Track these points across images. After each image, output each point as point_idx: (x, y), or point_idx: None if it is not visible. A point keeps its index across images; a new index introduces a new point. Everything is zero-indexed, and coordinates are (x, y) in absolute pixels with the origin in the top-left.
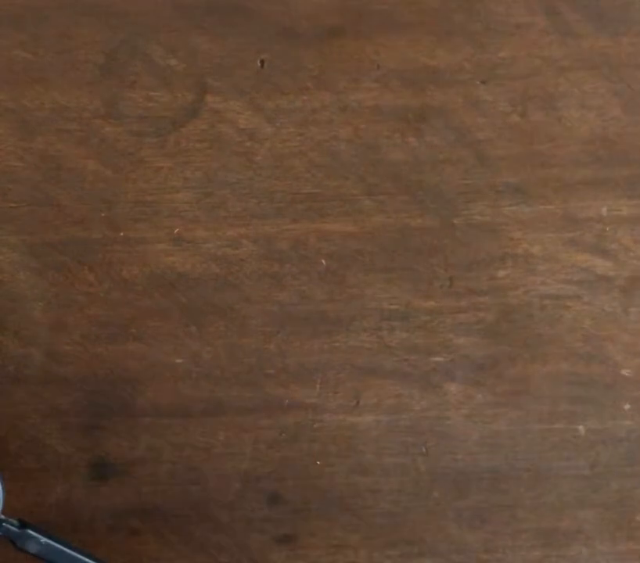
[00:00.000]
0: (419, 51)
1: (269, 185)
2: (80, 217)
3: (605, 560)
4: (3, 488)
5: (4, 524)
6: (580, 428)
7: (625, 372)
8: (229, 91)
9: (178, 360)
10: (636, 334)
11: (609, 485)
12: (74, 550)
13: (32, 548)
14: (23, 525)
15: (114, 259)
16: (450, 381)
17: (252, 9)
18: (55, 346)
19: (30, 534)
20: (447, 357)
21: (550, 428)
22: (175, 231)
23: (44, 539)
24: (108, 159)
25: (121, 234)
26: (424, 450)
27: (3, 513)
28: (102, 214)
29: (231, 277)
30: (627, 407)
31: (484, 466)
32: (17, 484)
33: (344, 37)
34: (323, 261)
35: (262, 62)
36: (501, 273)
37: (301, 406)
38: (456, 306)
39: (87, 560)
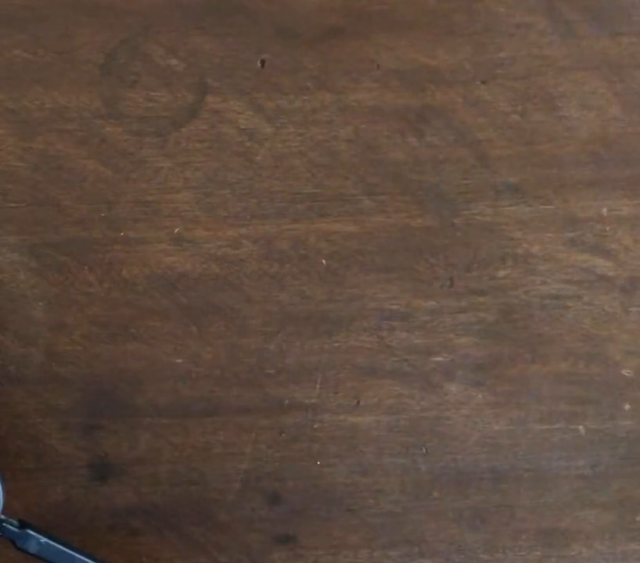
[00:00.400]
0: (419, 51)
1: (269, 185)
2: (80, 217)
3: (605, 560)
4: (3, 488)
5: (4, 524)
6: (580, 428)
7: (625, 372)
8: (229, 91)
9: (178, 360)
10: (636, 334)
11: (609, 485)
12: (74, 550)
13: (32, 548)
14: (23, 525)
15: (114, 259)
16: (450, 381)
17: (252, 9)
18: (55, 346)
19: (30, 534)
20: (447, 357)
21: (550, 428)
22: (175, 231)
23: (44, 539)
24: (108, 159)
25: (121, 234)
26: (424, 450)
27: (3, 513)
28: (102, 214)
29: (231, 277)
30: (627, 407)
31: (484, 466)
32: (17, 484)
33: (344, 37)
34: (323, 261)
35: (262, 62)
36: (501, 273)
37: (301, 406)
38: (456, 306)
39: (87, 560)
